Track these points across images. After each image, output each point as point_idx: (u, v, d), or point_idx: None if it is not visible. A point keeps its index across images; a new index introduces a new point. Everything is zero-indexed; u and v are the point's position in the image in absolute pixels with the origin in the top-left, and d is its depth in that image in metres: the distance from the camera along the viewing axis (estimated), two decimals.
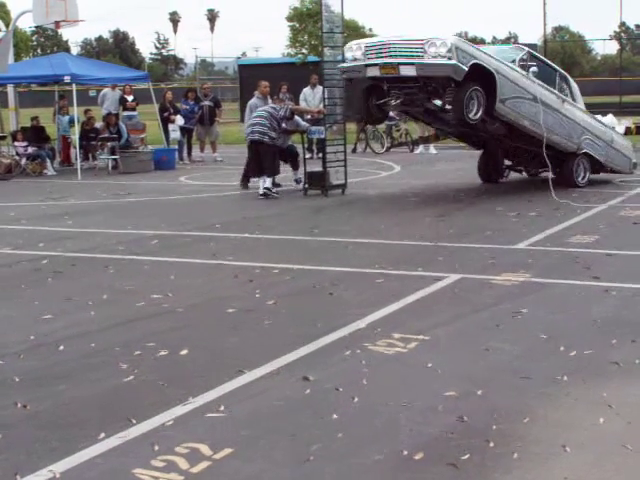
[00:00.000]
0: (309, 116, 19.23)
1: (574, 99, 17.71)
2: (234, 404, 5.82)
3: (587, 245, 11.33)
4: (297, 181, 18.24)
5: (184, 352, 7.01)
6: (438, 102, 15.92)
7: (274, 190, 17.28)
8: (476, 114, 15.23)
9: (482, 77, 15.25)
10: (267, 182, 17.15)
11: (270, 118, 17.18)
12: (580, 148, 17.46)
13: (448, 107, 15.65)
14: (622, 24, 53.20)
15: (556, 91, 17.10)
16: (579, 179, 17.59)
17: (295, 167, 18.44)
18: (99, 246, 12.07)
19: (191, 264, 10.74)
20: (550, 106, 16.67)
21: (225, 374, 6.40)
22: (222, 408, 5.74)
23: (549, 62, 18.20)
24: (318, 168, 17.91)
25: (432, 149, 27.59)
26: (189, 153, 26.51)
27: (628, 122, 26.27)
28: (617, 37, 57.19)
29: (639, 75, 75.21)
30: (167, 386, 6.21)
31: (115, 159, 23.53)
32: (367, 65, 15.72)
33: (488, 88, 15.35)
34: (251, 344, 7.24)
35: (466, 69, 14.81)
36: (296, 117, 18.17)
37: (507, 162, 18.94)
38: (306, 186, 17.66)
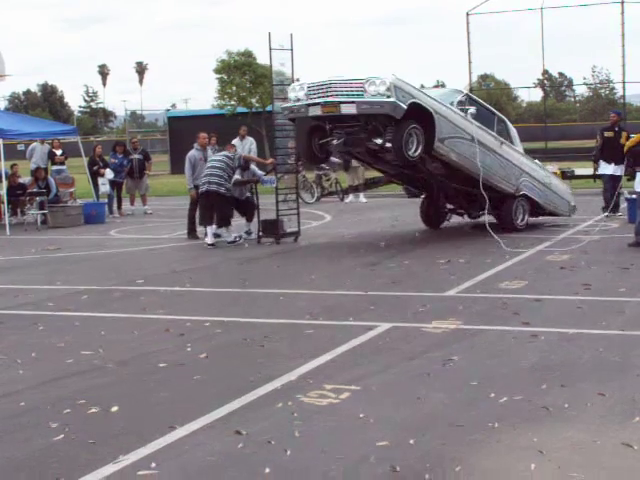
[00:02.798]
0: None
1: (512, 142, 18.14)
2: (166, 461, 5.77)
3: (516, 291, 11.45)
4: (248, 232, 18.36)
5: (115, 409, 6.94)
6: (379, 141, 16.05)
7: (239, 236, 17.82)
8: (415, 151, 15.53)
9: (421, 116, 15.58)
10: (230, 236, 17.61)
11: (227, 168, 17.49)
12: (518, 190, 17.85)
13: (388, 145, 15.79)
14: (545, 72, 54.03)
15: (494, 133, 17.47)
16: (518, 221, 17.97)
17: (249, 219, 18.57)
18: (28, 303, 11.93)
19: (122, 319, 10.65)
20: (488, 147, 17.06)
21: (156, 430, 6.35)
22: (153, 465, 5.68)
23: (487, 105, 18.53)
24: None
25: (362, 198, 27.78)
26: (119, 206, 26.41)
27: (553, 168, 26.63)
28: (541, 85, 58.16)
29: (563, 121, 76.58)
30: (98, 444, 6.13)
31: (44, 214, 23.32)
32: (309, 105, 15.97)
33: (427, 127, 15.68)
34: (183, 399, 7.19)
35: (405, 107, 15.13)
36: (252, 166, 18.40)
37: (449, 206, 19.15)
38: (260, 234, 17.85)
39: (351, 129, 16.39)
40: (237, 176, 17.94)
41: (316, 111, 15.95)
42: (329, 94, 15.68)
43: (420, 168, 16.63)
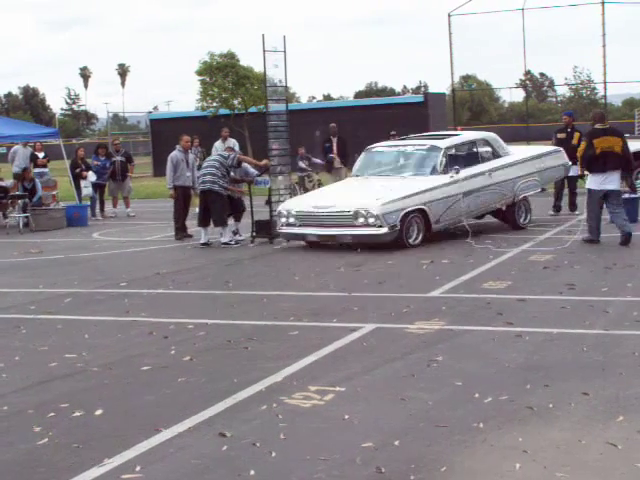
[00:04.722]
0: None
1: (498, 152, 18.55)
2: (150, 464, 5.75)
3: (499, 291, 11.46)
4: (234, 232, 18.38)
5: (99, 412, 6.92)
6: None
7: (233, 240, 17.81)
8: (416, 239, 16.20)
9: (415, 211, 16.12)
10: (226, 237, 17.71)
11: (220, 167, 17.73)
12: (517, 196, 18.36)
13: None
14: (527, 72, 54.21)
15: (481, 167, 17.82)
16: (521, 220, 18.56)
17: (237, 219, 18.64)
18: (11, 306, 11.89)
19: (105, 322, 10.62)
20: (480, 188, 17.53)
21: (141, 433, 6.33)
22: (138, 468, 5.67)
23: (466, 139, 18.76)
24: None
25: None
26: (102, 209, 26.34)
27: None
28: (523, 85, 58.34)
29: (545, 122, 76.80)
30: (82, 448, 6.12)
31: (26, 217, 23.21)
32: (305, 233, 16.54)
33: (423, 213, 16.29)
34: (167, 401, 7.17)
35: (398, 224, 15.71)
36: (244, 164, 18.47)
37: None
38: (254, 235, 18.00)
39: None
40: (232, 174, 18.10)
41: (313, 238, 16.55)
42: (321, 225, 16.31)
43: None
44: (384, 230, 15.56)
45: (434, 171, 16.97)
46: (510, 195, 18.18)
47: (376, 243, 16.01)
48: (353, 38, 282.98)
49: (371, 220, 15.59)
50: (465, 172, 17.17)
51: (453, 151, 17.61)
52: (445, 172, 16.93)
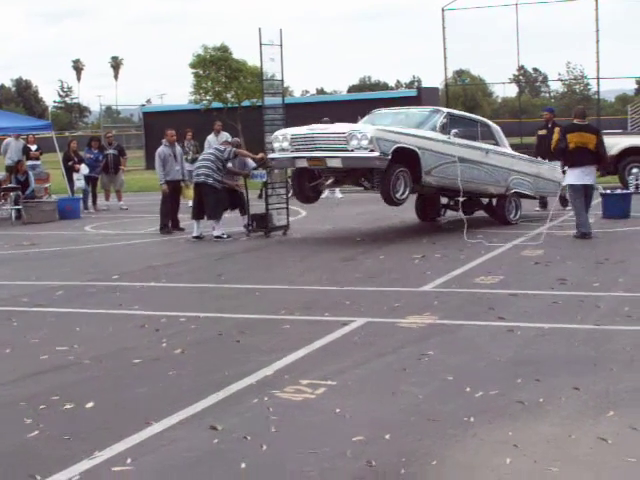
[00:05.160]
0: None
1: (498, 142, 18.73)
2: (141, 456, 5.75)
3: (491, 286, 11.47)
4: (246, 226, 18.44)
5: (90, 404, 6.91)
6: (367, 184, 16.92)
7: (225, 233, 17.72)
8: (403, 194, 16.20)
9: (406, 154, 16.02)
10: (217, 231, 17.66)
11: (216, 160, 17.78)
12: (509, 189, 18.43)
13: (376, 188, 16.50)
14: (520, 67, 54.21)
15: (479, 144, 18.00)
16: (511, 216, 18.58)
17: (242, 212, 18.70)
18: (2, 299, 11.86)
19: (97, 315, 10.60)
20: (474, 161, 17.57)
21: (132, 426, 6.32)
22: (129, 461, 5.66)
23: (469, 116, 19.07)
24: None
25: (338, 193, 27.75)
26: (94, 202, 26.33)
27: None
28: (516, 80, 58.39)
29: (538, 117, 76.89)
30: (73, 440, 6.11)
31: (19, 209, 23.18)
32: (295, 157, 16.39)
33: (414, 161, 16.17)
34: (158, 394, 7.16)
35: (389, 157, 15.60)
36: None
37: (443, 201, 19.38)
38: (250, 228, 18.07)
39: (339, 173, 16.98)
40: (229, 165, 18.21)
41: (303, 163, 16.43)
42: (314, 148, 16.15)
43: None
44: (376, 154, 15.48)
45: (433, 128, 17.05)
46: (503, 185, 18.26)
47: (365, 168, 16.15)
48: (346, 32, 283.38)
49: (364, 143, 15.46)
50: (463, 141, 17.34)
51: (454, 118, 17.74)
52: (443, 133, 17.03)
